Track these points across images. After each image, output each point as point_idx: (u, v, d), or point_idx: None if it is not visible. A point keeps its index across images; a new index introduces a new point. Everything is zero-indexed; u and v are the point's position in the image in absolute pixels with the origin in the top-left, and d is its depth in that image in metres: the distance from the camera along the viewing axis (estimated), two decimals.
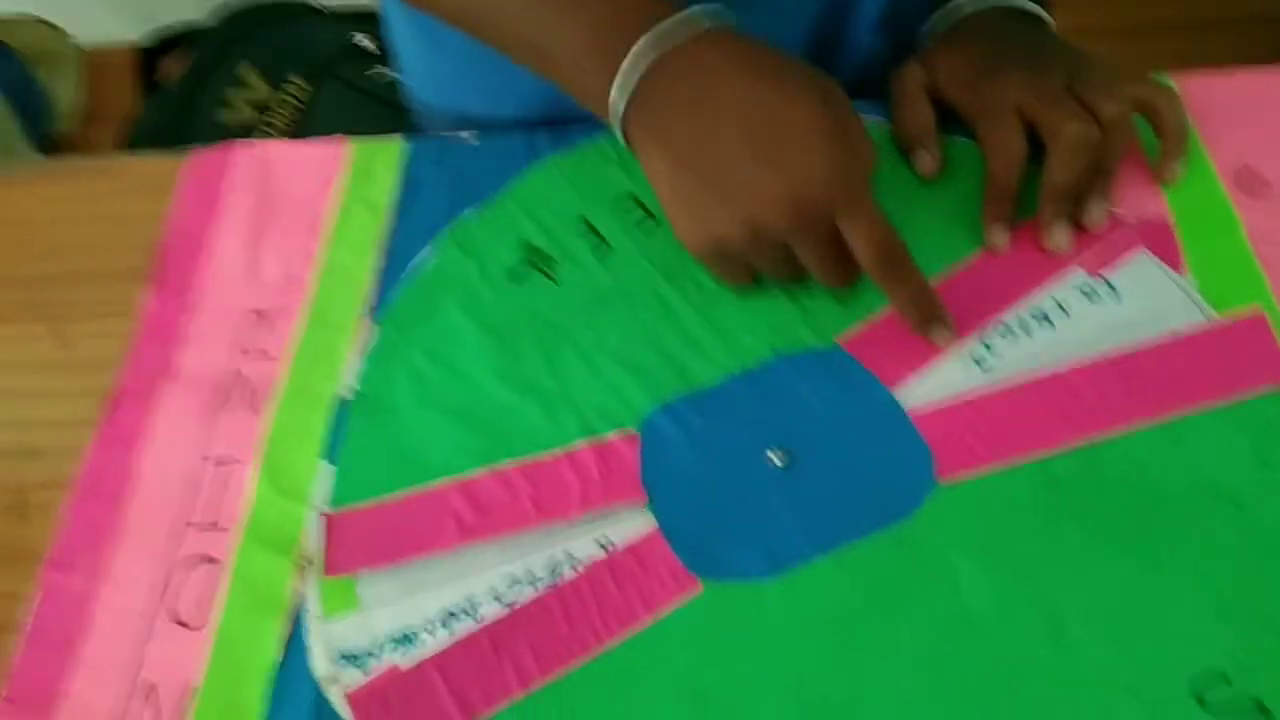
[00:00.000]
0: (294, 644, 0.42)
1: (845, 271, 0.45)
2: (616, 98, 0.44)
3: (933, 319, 0.45)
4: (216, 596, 0.43)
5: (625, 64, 0.44)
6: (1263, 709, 0.37)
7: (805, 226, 0.43)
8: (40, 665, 0.42)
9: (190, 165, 0.58)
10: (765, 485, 0.43)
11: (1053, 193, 0.47)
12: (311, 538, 0.44)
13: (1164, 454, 0.42)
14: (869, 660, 0.39)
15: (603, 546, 0.42)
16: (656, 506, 0.43)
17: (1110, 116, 0.47)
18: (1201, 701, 0.37)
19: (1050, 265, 0.48)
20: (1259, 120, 0.51)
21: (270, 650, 0.42)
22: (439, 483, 0.44)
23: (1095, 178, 0.47)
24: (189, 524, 0.45)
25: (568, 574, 0.42)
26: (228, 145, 0.58)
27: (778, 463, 0.44)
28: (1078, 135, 0.46)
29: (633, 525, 0.43)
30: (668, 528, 0.43)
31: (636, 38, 0.44)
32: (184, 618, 0.43)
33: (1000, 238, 0.48)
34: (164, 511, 0.46)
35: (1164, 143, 0.49)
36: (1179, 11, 1.43)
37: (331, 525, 0.44)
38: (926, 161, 0.51)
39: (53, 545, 0.45)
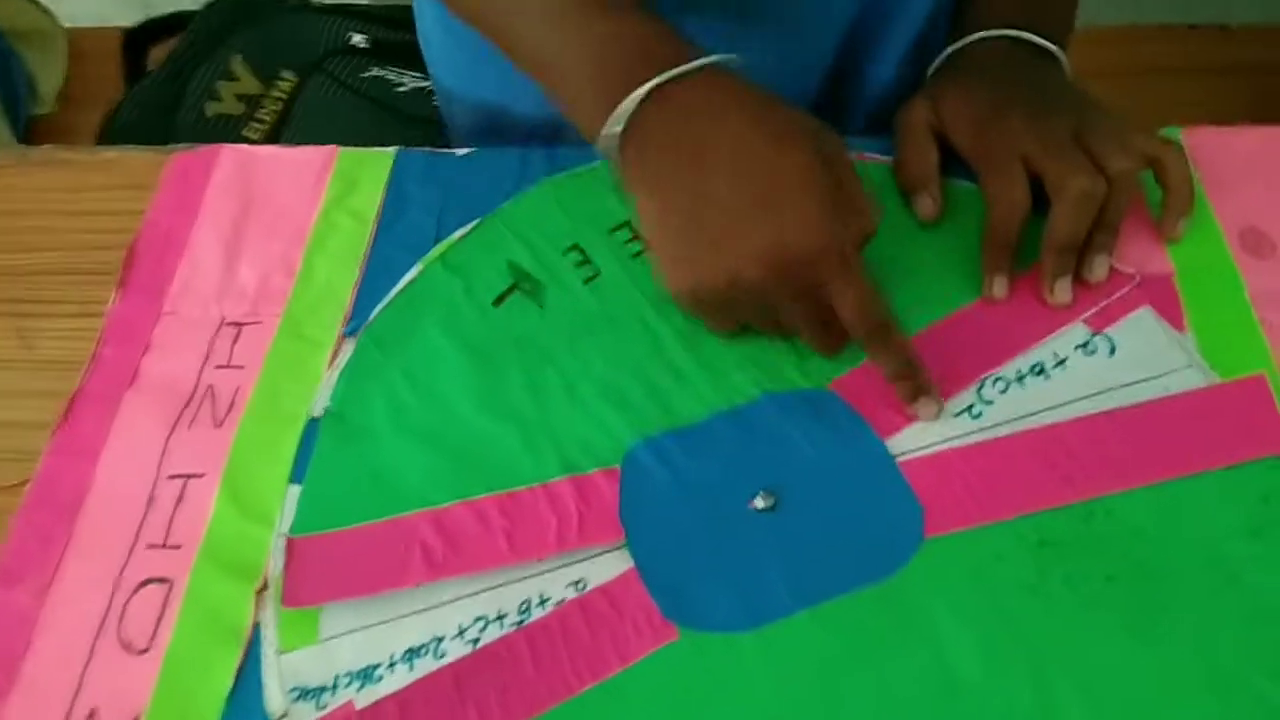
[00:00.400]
0: (247, 674, 0.40)
1: (831, 338, 0.44)
2: (611, 134, 0.43)
3: (919, 392, 0.43)
4: (166, 620, 0.41)
5: (623, 104, 0.42)
6: None
7: (789, 287, 0.41)
8: None
9: (173, 164, 0.56)
10: (748, 529, 0.42)
11: (1055, 246, 0.46)
12: (272, 563, 0.42)
13: (1157, 520, 0.41)
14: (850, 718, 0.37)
15: (577, 587, 0.41)
16: (634, 545, 0.42)
17: (1119, 172, 0.46)
18: None
19: (1050, 317, 0.47)
20: (1265, 180, 0.50)
21: (222, 679, 0.40)
22: (409, 513, 0.43)
23: (1098, 232, 0.47)
24: (142, 541, 0.43)
25: (538, 614, 0.40)
26: (213, 146, 0.57)
27: (762, 506, 0.42)
28: (1083, 191, 0.45)
29: (609, 564, 0.41)
30: (645, 568, 0.41)
31: (639, 81, 0.42)
32: (131, 641, 0.41)
33: (999, 289, 0.47)
34: (117, 526, 0.44)
35: (1169, 199, 0.48)
36: (1156, 58, 1.44)
37: (293, 552, 0.42)
38: (927, 206, 0.50)
39: None
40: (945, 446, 0.43)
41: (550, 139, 0.60)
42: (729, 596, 0.40)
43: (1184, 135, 0.52)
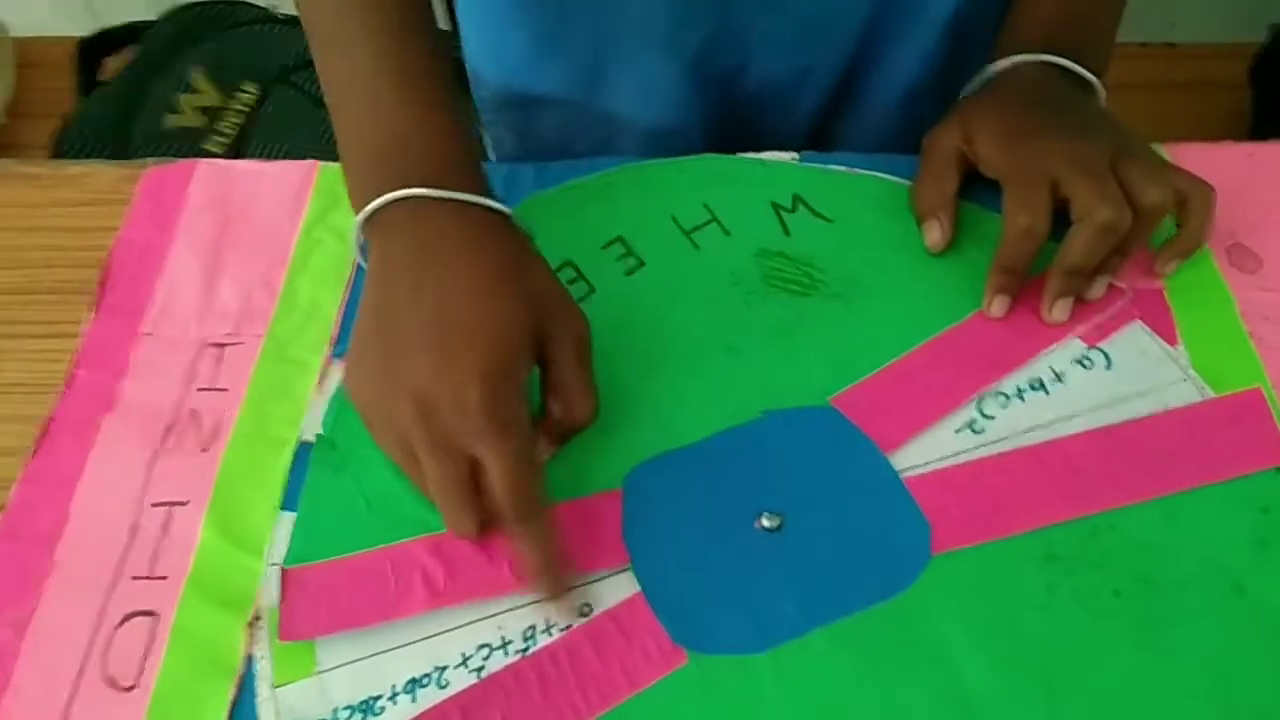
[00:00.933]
0: (241, 710, 0.38)
1: (467, 513, 0.40)
2: (360, 222, 0.43)
3: (553, 583, 0.39)
4: (153, 654, 0.39)
5: (378, 200, 0.42)
6: None
7: (430, 435, 0.39)
8: None
9: (147, 179, 0.54)
10: (755, 549, 0.41)
11: (1065, 269, 0.46)
12: (265, 594, 0.41)
13: (1162, 533, 0.41)
14: None
15: (582, 613, 0.40)
16: (639, 568, 0.41)
17: (1151, 205, 0.45)
18: None
19: (1046, 333, 0.47)
20: (1250, 198, 0.51)
21: (214, 716, 0.38)
22: (408, 540, 0.41)
23: (1110, 258, 0.46)
24: (126, 572, 0.41)
25: (544, 641, 0.39)
26: (188, 160, 0.55)
27: (768, 525, 0.42)
28: (1109, 222, 0.44)
29: (615, 588, 0.40)
30: (651, 592, 0.40)
31: (403, 183, 0.42)
32: (116, 677, 0.39)
33: (999, 309, 0.47)
34: (98, 557, 0.42)
35: (1179, 239, 0.48)
36: (1135, 74, 1.48)
37: (287, 583, 0.41)
38: (935, 234, 0.49)
39: None
40: (949, 463, 0.43)
41: (578, 116, 0.60)
42: (738, 619, 0.40)
43: (1169, 152, 0.52)
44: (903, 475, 0.43)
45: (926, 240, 0.50)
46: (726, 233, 0.51)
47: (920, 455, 0.43)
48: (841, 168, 0.53)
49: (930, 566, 0.41)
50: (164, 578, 0.41)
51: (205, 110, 1.08)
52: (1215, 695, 0.38)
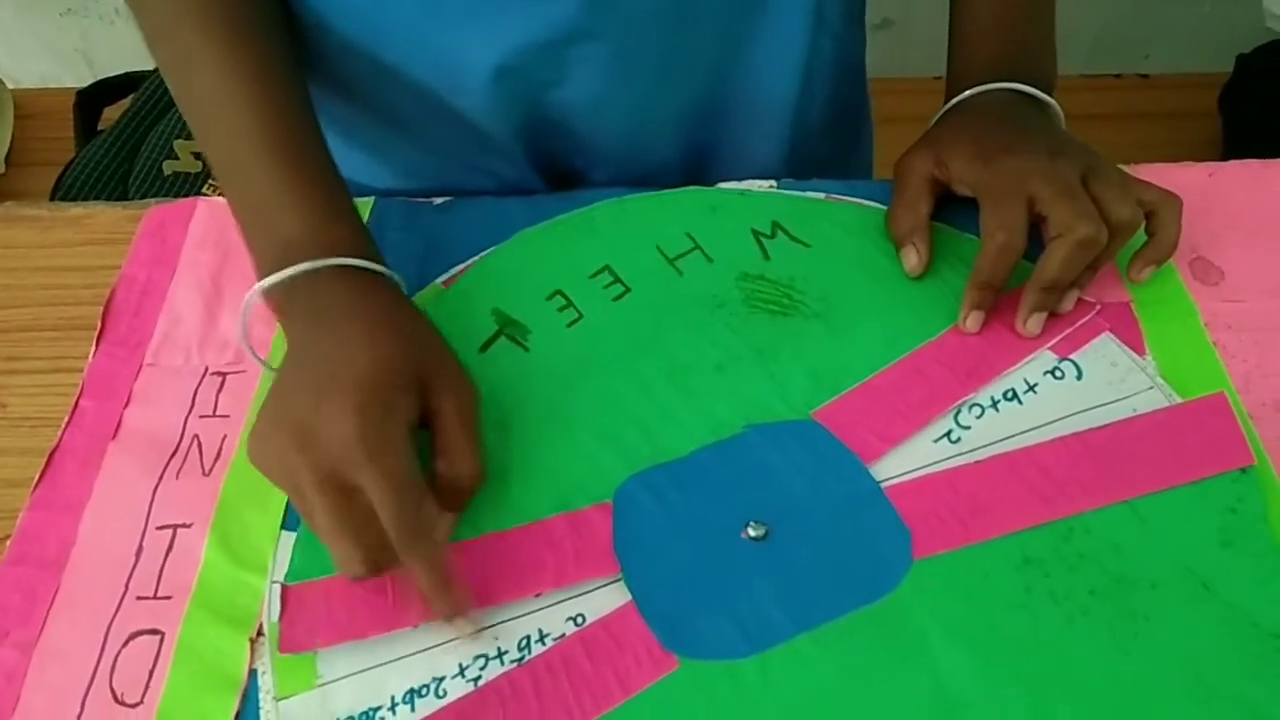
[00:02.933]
0: None
1: (347, 538, 0.39)
2: (261, 288, 0.45)
3: (452, 613, 0.40)
4: (159, 671, 0.41)
5: (285, 274, 0.44)
6: None
7: (313, 471, 0.39)
8: None
9: (149, 218, 0.56)
10: (742, 558, 0.43)
11: (1042, 284, 0.47)
12: (267, 610, 0.42)
13: (1133, 535, 0.43)
14: None
15: (575, 622, 0.41)
16: (630, 578, 0.42)
17: (1123, 220, 0.47)
18: None
19: (1019, 346, 0.49)
20: (1211, 214, 0.53)
21: None
22: None
23: (1082, 273, 0.48)
24: (131, 592, 0.43)
25: (538, 650, 0.40)
26: (189, 199, 0.57)
27: (754, 535, 0.43)
28: (1087, 238, 0.46)
29: (606, 598, 0.42)
30: (642, 601, 0.41)
31: (302, 258, 0.44)
32: (122, 694, 0.40)
33: (974, 323, 0.48)
34: (104, 578, 0.43)
35: (1151, 246, 0.50)
36: (1084, 105, 1.51)
37: (288, 598, 0.42)
38: (912, 259, 0.51)
39: None
40: (927, 471, 0.45)
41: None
42: (726, 625, 0.41)
43: (1134, 172, 0.54)
44: (883, 485, 0.44)
45: (905, 265, 0.51)
46: (709, 259, 0.53)
47: (899, 465, 0.45)
48: (819, 195, 0.55)
49: (911, 571, 0.42)
50: (169, 597, 0.42)
51: (200, 156, 1.10)
52: (1188, 689, 0.39)
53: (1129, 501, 0.43)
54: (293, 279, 0.44)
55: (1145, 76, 1.59)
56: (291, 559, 0.43)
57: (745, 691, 0.39)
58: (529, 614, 0.41)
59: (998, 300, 0.49)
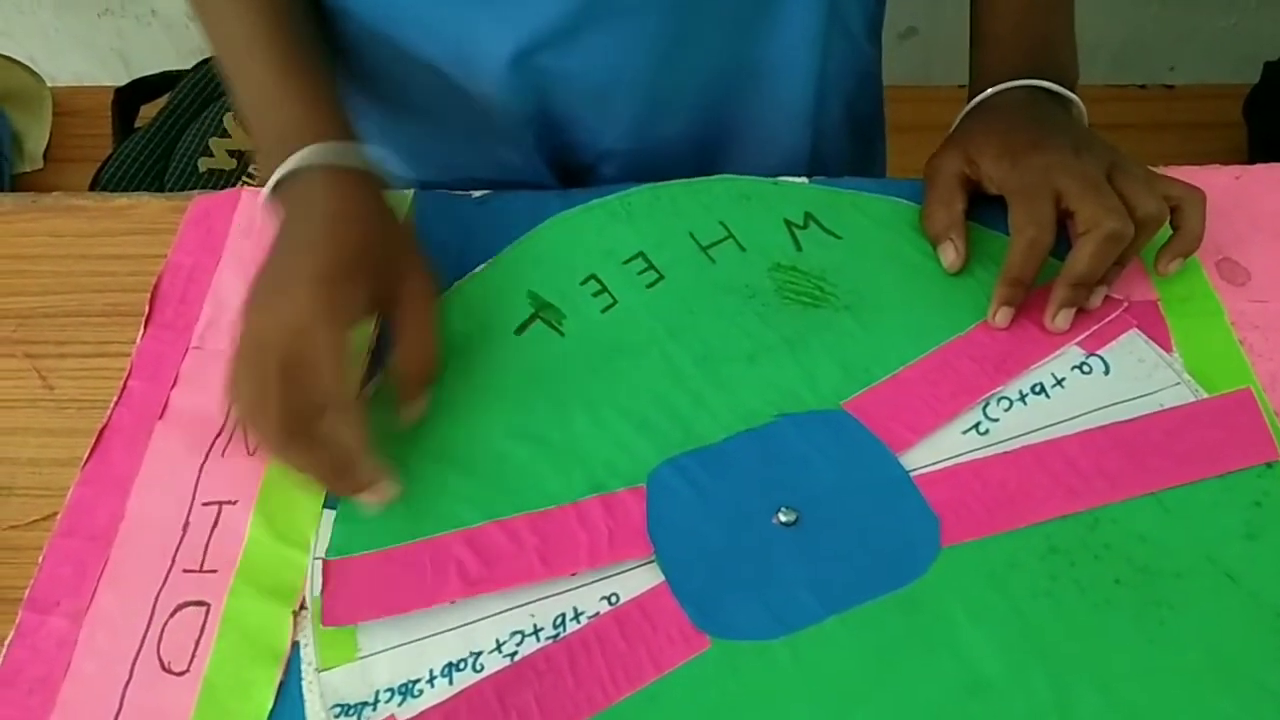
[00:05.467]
0: (288, 693, 0.40)
1: (268, 396, 0.43)
2: (266, 191, 0.48)
3: (356, 484, 0.44)
4: (204, 642, 0.42)
5: (287, 167, 0.47)
6: None
7: (258, 334, 0.43)
8: (14, 708, 0.40)
9: (194, 207, 0.58)
10: (773, 542, 0.43)
11: (1071, 280, 0.48)
12: (309, 584, 0.43)
13: (1158, 526, 0.43)
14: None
15: (609, 601, 0.42)
16: (663, 560, 0.43)
17: (1149, 215, 0.48)
18: None
19: (1047, 341, 0.49)
20: (1237, 216, 0.54)
21: (262, 699, 0.40)
22: (443, 534, 0.44)
23: (1110, 269, 0.49)
24: (178, 565, 0.44)
25: (573, 628, 0.41)
26: (234, 189, 0.58)
27: (785, 520, 0.44)
28: (1115, 233, 0.47)
29: (640, 579, 0.43)
30: (675, 582, 0.42)
31: (293, 150, 0.47)
32: (169, 663, 0.41)
33: (1003, 319, 0.49)
34: (152, 552, 0.44)
35: (1176, 240, 0.50)
36: (1135, 115, 1.52)
37: (330, 573, 0.43)
38: (950, 255, 0.52)
39: (32, 585, 0.44)
40: (956, 462, 0.45)
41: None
42: (757, 606, 0.42)
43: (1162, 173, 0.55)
44: (913, 474, 0.45)
45: (944, 261, 0.52)
46: (742, 249, 0.54)
47: (928, 456, 0.46)
48: (850, 190, 0.56)
49: (939, 558, 0.43)
50: (214, 571, 0.44)
51: (235, 153, 1.12)
52: (1212, 676, 0.40)
53: (1154, 494, 0.44)
54: (281, 180, 0.47)
55: (1170, 87, 1.59)
56: (332, 537, 0.44)
57: (775, 671, 0.40)
58: (564, 593, 0.42)
59: (1027, 297, 0.50)
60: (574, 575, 0.43)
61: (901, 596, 0.42)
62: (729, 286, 0.52)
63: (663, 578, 0.43)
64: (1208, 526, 0.43)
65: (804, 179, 0.57)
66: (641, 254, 0.53)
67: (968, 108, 0.55)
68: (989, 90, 0.54)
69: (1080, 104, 0.54)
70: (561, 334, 0.51)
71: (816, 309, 0.51)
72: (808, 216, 0.55)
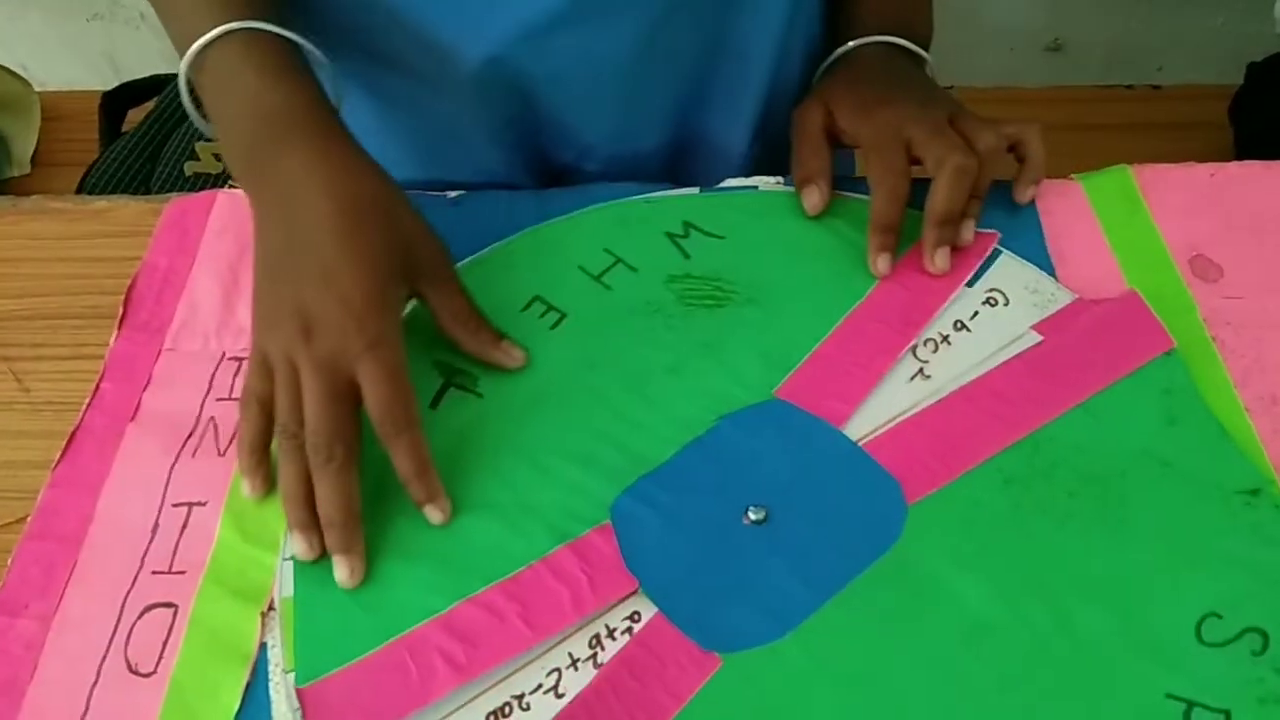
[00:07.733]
0: (255, 694, 0.40)
1: (335, 420, 0.42)
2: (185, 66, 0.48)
3: (428, 499, 0.44)
4: (172, 643, 0.42)
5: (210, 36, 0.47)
6: (1260, 633, 0.39)
7: (313, 355, 0.42)
8: None
9: (171, 208, 0.58)
10: (748, 544, 0.43)
11: (935, 219, 0.51)
12: (278, 585, 0.43)
13: (1091, 433, 0.45)
14: (901, 687, 0.39)
15: (633, 620, 0.41)
16: (650, 590, 0.42)
17: (988, 147, 0.51)
18: (1207, 641, 0.40)
19: (940, 287, 0.51)
20: (1209, 212, 0.54)
21: (229, 700, 0.40)
22: (417, 626, 0.41)
23: (969, 202, 0.51)
24: (146, 567, 0.44)
25: (570, 678, 0.40)
26: (209, 191, 0.58)
27: (755, 519, 0.44)
28: (960, 166, 0.50)
29: (625, 612, 0.42)
30: (667, 608, 0.41)
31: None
32: (136, 664, 0.41)
33: (884, 265, 0.51)
34: (121, 553, 0.44)
35: (1025, 169, 0.54)
36: (1122, 115, 1.52)
37: (306, 700, 0.40)
38: (814, 197, 0.54)
39: (1, 588, 0.43)
40: (895, 422, 0.46)
41: None
42: (754, 611, 0.41)
43: (1137, 172, 0.55)
44: (860, 443, 0.46)
45: (805, 204, 0.54)
46: (633, 269, 0.53)
47: (870, 422, 0.47)
48: (734, 184, 0.58)
49: (909, 517, 0.43)
50: (183, 572, 0.43)
51: (220, 157, 1.12)
52: (1180, 559, 0.42)
53: (1080, 405, 0.46)
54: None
55: (1157, 88, 1.59)
56: (296, 659, 0.41)
57: (792, 672, 0.40)
58: (552, 648, 0.41)
59: (907, 252, 0.52)
60: (563, 631, 0.41)
61: (885, 564, 0.42)
62: (631, 307, 0.52)
63: (655, 609, 0.41)
64: (1133, 422, 0.45)
65: (695, 190, 0.57)
66: (538, 298, 0.52)
67: (828, 61, 0.59)
68: (849, 44, 0.57)
69: (931, 61, 0.58)
70: (480, 395, 0.49)
71: (721, 309, 0.51)
72: (687, 225, 0.55)
